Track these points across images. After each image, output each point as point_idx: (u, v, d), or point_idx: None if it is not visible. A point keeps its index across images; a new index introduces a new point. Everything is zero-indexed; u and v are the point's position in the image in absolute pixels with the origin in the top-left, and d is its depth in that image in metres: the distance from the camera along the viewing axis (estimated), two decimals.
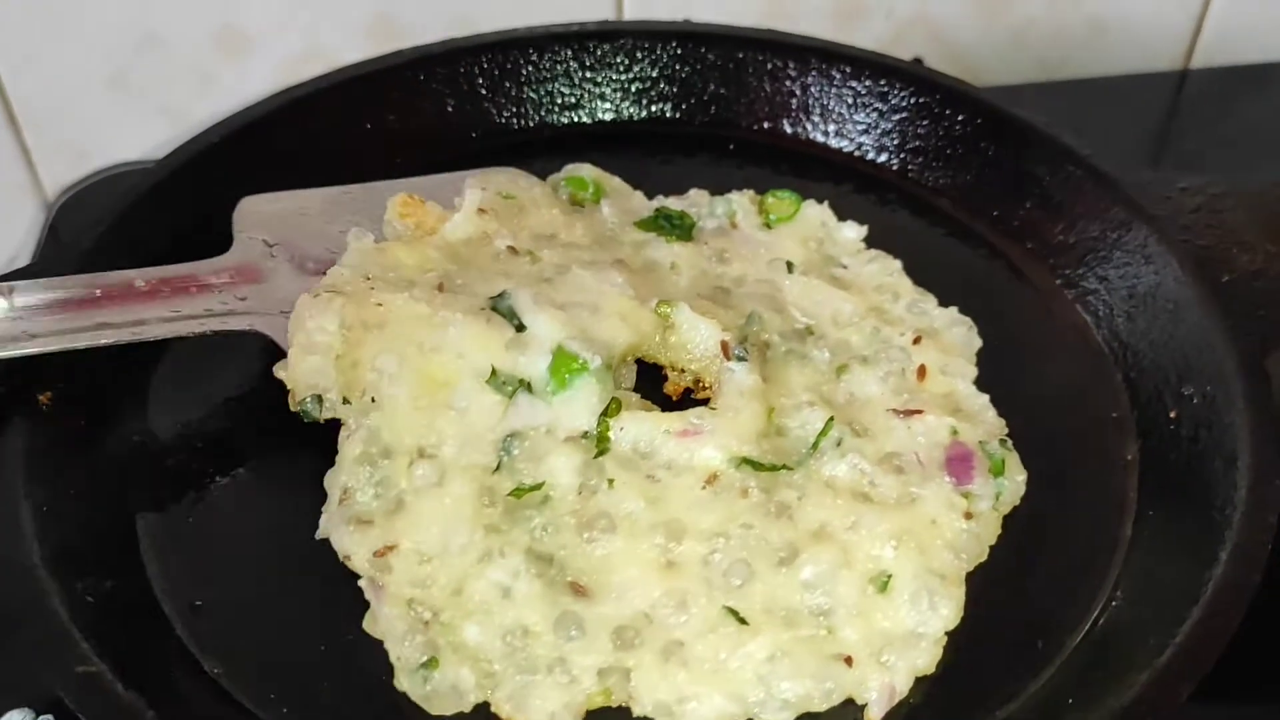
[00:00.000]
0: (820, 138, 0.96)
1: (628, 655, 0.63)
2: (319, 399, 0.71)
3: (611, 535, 0.67)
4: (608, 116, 0.98)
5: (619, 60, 0.98)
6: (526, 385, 0.71)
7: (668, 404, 0.75)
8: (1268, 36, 1.30)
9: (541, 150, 0.95)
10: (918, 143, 0.94)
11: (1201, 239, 0.79)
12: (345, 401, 0.71)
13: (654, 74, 0.98)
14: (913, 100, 0.93)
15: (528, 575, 0.65)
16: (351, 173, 0.90)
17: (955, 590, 0.66)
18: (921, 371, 0.77)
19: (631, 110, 0.98)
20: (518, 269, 0.78)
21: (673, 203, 0.87)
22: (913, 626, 0.65)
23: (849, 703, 0.63)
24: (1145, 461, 0.73)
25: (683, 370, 0.76)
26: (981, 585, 0.67)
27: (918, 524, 0.68)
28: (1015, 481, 0.72)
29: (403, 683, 0.63)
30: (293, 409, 0.71)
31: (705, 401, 0.74)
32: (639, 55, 0.97)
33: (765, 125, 0.97)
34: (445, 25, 1.10)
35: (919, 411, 0.74)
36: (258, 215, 0.82)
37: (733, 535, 0.67)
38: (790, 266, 0.82)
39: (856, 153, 0.95)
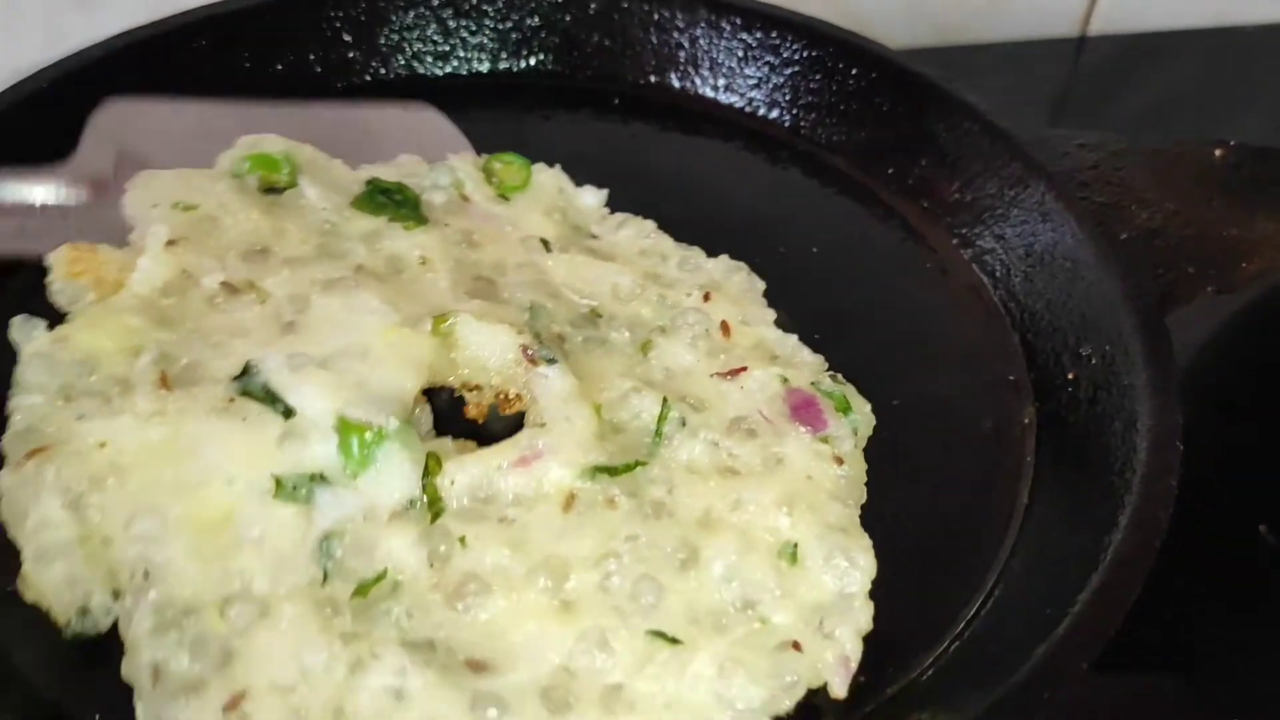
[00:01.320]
0: (710, 92, 0.92)
1: (566, 718, 0.55)
2: (84, 611, 0.57)
3: (488, 596, 0.58)
4: (483, 68, 0.92)
5: (496, 7, 0.92)
6: (320, 478, 0.59)
7: (478, 431, 0.66)
8: (1163, 4, 1.30)
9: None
10: (810, 98, 0.89)
11: (1100, 196, 0.76)
12: (116, 596, 0.58)
13: (534, 23, 0.92)
14: (805, 54, 0.89)
15: (415, 668, 0.55)
16: None
17: (861, 540, 0.62)
18: (725, 328, 0.72)
19: (509, 62, 0.93)
20: (246, 318, 0.65)
21: (383, 172, 0.77)
22: (839, 588, 0.60)
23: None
24: (1043, 424, 0.69)
25: (478, 388, 0.67)
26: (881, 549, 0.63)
27: (795, 483, 0.63)
28: (864, 414, 0.69)
29: None
30: (66, 636, 0.57)
31: (520, 417, 0.66)
32: (517, 3, 0.92)
33: (652, 79, 0.92)
34: None
35: (742, 369, 0.69)
36: (116, 122, 0.73)
37: (621, 552, 0.59)
38: (547, 245, 0.75)
39: (747, 108, 0.91)
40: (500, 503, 0.61)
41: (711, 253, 0.78)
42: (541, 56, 0.93)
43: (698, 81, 0.92)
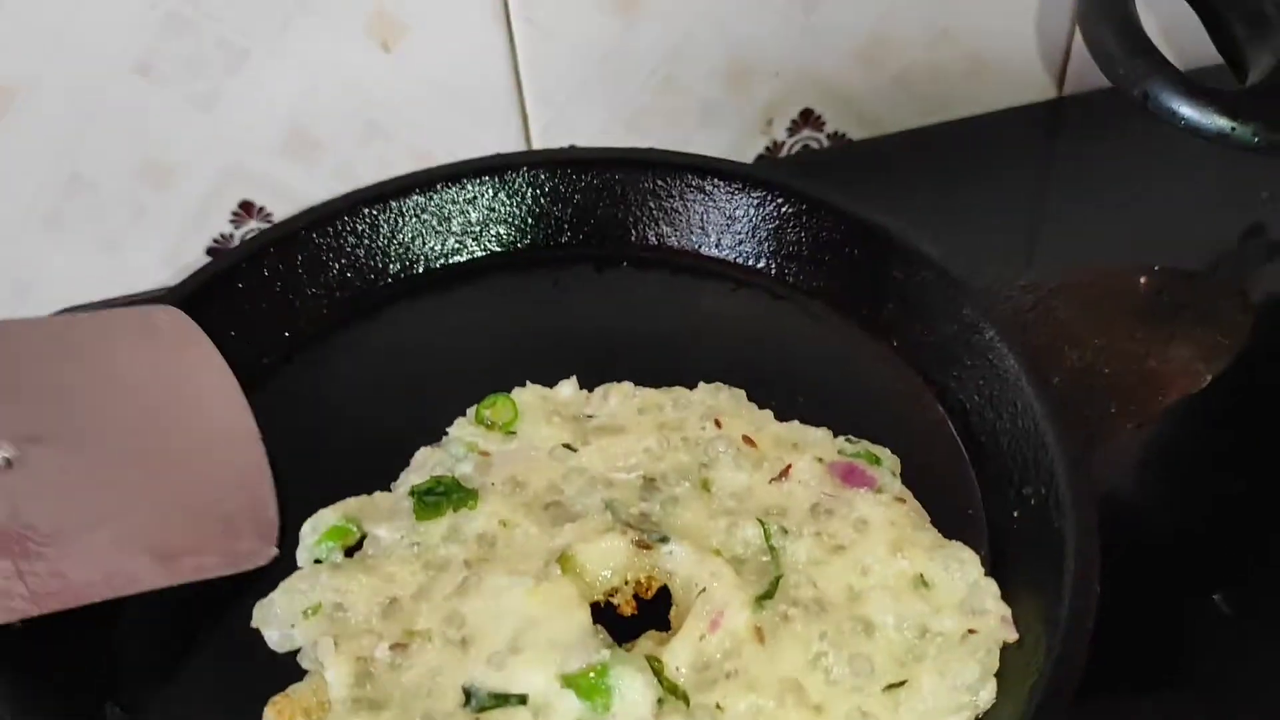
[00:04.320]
0: (706, 249, 1.04)
1: None
2: None
3: None
4: (499, 248, 1.06)
5: (516, 190, 1.05)
6: None
7: (637, 624, 0.78)
8: None
9: (438, 288, 1.04)
10: (791, 249, 1.02)
11: (1037, 338, 0.87)
12: None
13: (545, 202, 1.05)
14: (783, 209, 1.01)
15: None
16: (284, 327, 0.99)
17: (953, 545, 0.80)
18: (748, 440, 0.87)
19: (527, 239, 1.06)
20: (428, 660, 0.74)
21: (414, 478, 0.85)
22: (968, 584, 0.77)
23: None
24: (995, 560, 0.81)
25: (616, 590, 0.80)
26: None
27: (888, 532, 0.79)
28: (890, 456, 0.86)
29: None
30: None
31: (662, 597, 0.79)
32: (525, 186, 1.05)
33: (652, 240, 1.05)
34: (358, 134, 1.19)
35: (788, 467, 0.84)
36: None
37: (823, 650, 0.74)
38: (570, 447, 0.87)
39: (738, 259, 1.04)
40: (716, 665, 0.74)
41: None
42: (550, 230, 1.06)
43: (693, 239, 1.05)
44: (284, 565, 0.83)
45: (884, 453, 0.86)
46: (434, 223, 1.05)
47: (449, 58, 1.17)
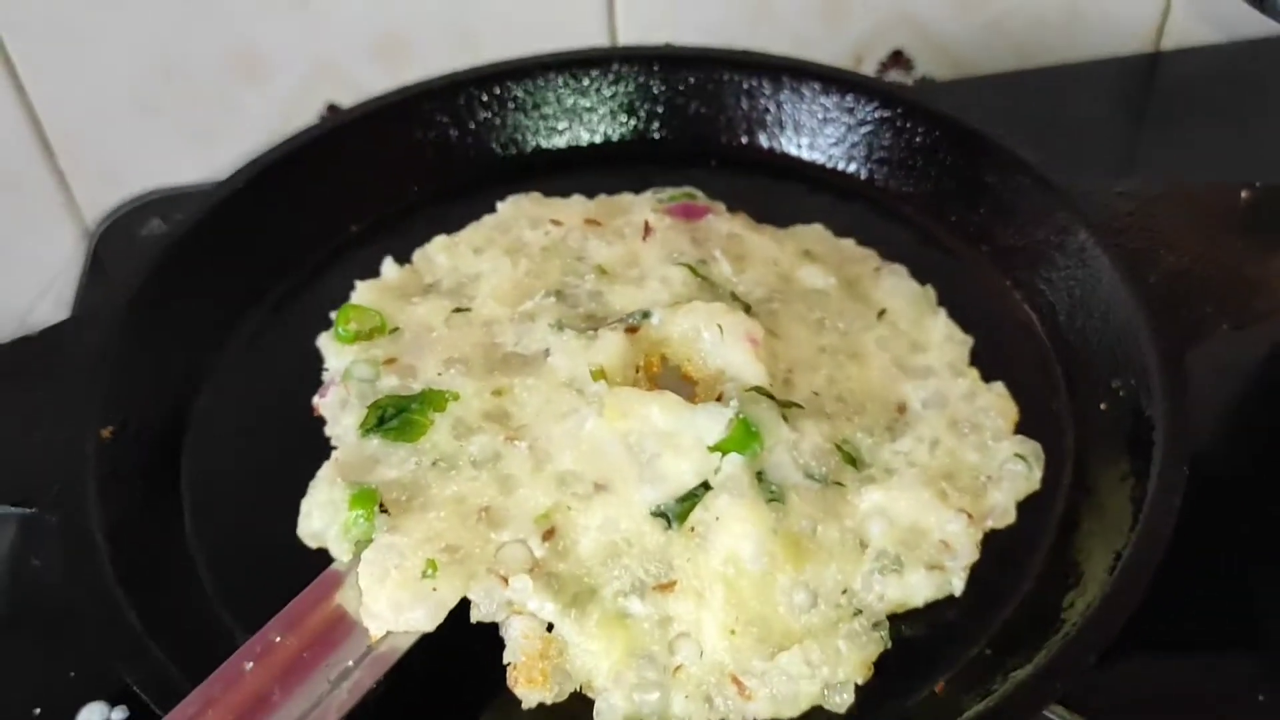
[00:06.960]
0: (794, 150, 1.04)
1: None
2: None
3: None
4: (597, 139, 1.06)
5: (605, 85, 1.05)
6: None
7: None
8: (1231, 15, 1.35)
9: (538, 173, 1.03)
10: (883, 153, 1.01)
11: (1133, 242, 0.86)
12: None
13: (639, 97, 1.06)
14: (876, 114, 1.01)
15: None
16: (383, 197, 1.00)
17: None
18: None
19: (621, 131, 1.06)
20: (586, 520, 0.71)
21: (347, 423, 0.77)
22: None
23: None
24: (1079, 449, 0.81)
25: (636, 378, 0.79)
26: None
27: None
28: None
29: None
30: None
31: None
32: (624, 78, 1.05)
33: (743, 140, 1.05)
34: (450, 44, 1.20)
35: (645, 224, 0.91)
36: None
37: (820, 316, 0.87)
38: (461, 309, 0.85)
39: (828, 164, 1.03)
40: (779, 370, 0.80)
41: None
42: (645, 125, 1.06)
43: (783, 141, 1.04)
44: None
45: None
46: (525, 111, 1.05)
47: None
